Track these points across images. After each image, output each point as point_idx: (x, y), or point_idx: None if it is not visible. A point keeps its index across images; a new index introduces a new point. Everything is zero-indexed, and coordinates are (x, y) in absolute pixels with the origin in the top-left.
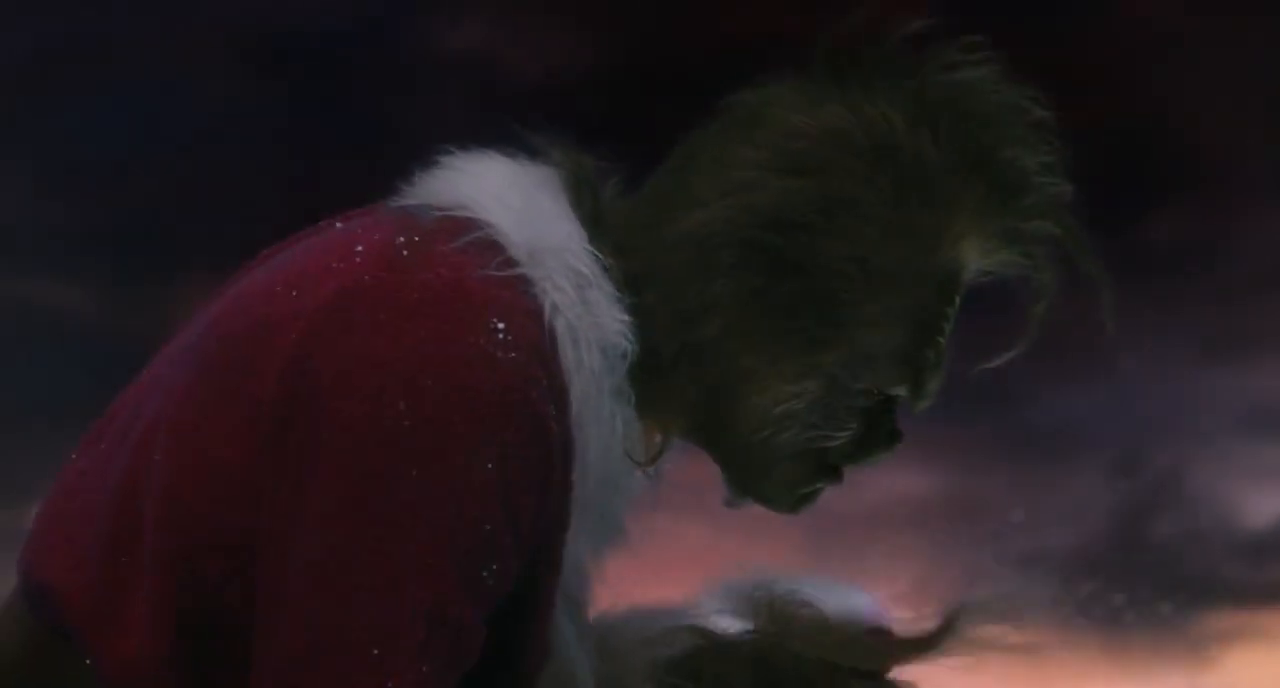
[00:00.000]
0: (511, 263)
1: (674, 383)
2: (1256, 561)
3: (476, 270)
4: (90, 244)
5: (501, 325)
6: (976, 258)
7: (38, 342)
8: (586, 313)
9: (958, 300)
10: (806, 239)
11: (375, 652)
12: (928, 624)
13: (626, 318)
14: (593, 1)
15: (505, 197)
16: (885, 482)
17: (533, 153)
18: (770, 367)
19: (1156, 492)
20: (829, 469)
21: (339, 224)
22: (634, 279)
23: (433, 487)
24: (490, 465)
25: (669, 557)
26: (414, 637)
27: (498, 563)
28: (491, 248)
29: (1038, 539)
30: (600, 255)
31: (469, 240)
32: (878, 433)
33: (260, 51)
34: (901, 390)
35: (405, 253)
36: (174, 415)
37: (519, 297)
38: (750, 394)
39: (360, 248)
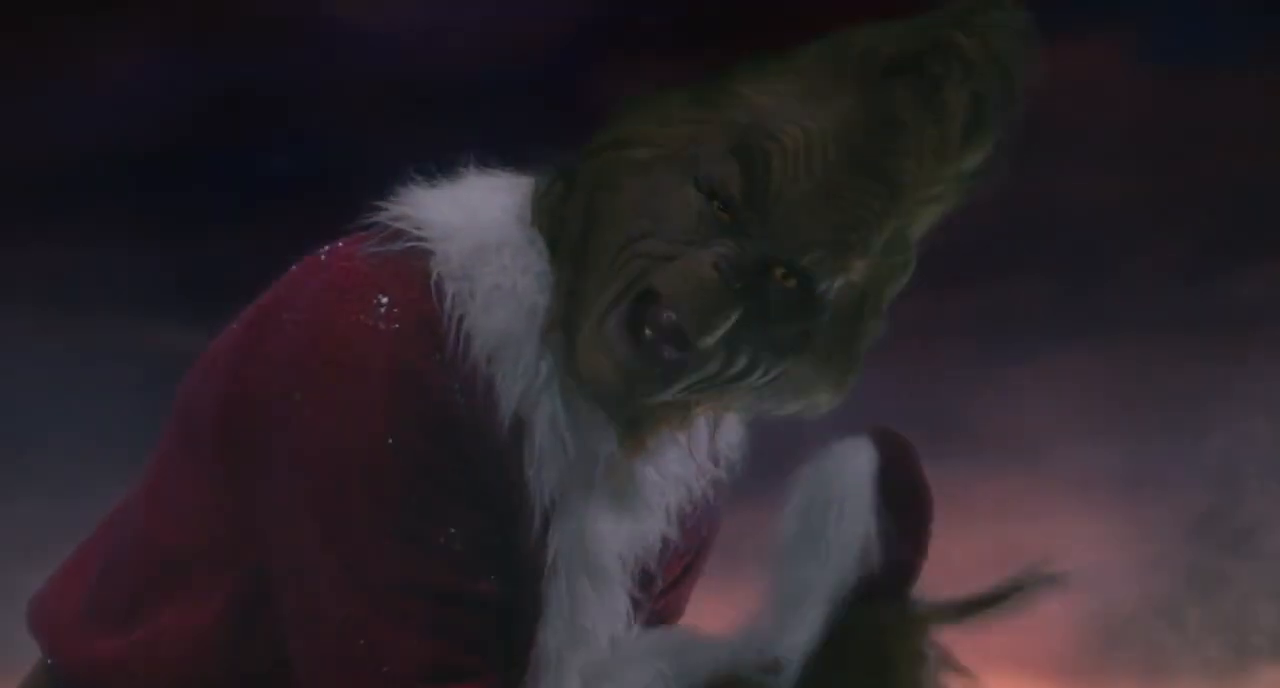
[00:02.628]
0: (418, 252)
1: None
2: None
3: (368, 257)
4: (217, 290)
5: (385, 300)
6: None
7: (166, 387)
8: (495, 274)
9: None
10: None
11: (361, 642)
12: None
13: (543, 269)
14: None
15: (447, 196)
16: (968, 528)
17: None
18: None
19: (1234, 546)
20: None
21: None
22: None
23: (345, 470)
24: (391, 440)
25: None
26: (387, 615)
27: (453, 526)
28: (400, 233)
29: (1108, 589)
30: (537, 228)
31: (383, 233)
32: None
33: (411, 98)
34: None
35: (322, 257)
36: (150, 464)
37: (411, 270)
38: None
39: (295, 267)
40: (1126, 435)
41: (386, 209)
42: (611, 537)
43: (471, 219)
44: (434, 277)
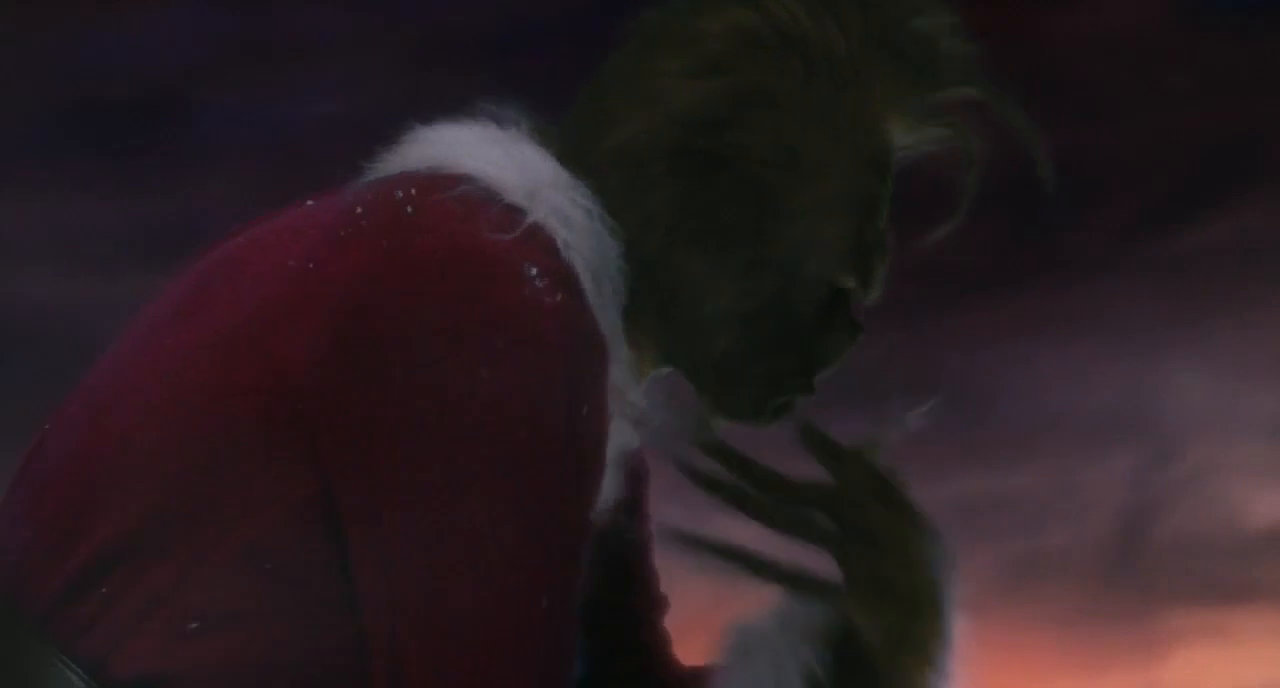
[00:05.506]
0: (514, 208)
1: (636, 309)
2: (1241, 561)
3: (487, 220)
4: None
5: (534, 271)
6: (901, 134)
7: None
8: (594, 247)
9: (890, 180)
10: (729, 136)
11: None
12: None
13: (619, 247)
14: None
15: (482, 150)
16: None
17: (487, 116)
18: (719, 268)
19: (1171, 492)
20: (798, 377)
21: (309, 203)
22: None
23: (536, 442)
24: (585, 409)
25: None
26: (536, 619)
27: (588, 507)
28: (489, 195)
29: (1042, 535)
30: (588, 190)
31: (465, 191)
32: (839, 328)
33: (425, 49)
34: (850, 281)
35: (409, 210)
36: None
37: (533, 235)
38: (704, 300)
39: (360, 210)
40: (1068, 382)
41: (431, 156)
42: None
43: (534, 177)
44: (563, 248)
